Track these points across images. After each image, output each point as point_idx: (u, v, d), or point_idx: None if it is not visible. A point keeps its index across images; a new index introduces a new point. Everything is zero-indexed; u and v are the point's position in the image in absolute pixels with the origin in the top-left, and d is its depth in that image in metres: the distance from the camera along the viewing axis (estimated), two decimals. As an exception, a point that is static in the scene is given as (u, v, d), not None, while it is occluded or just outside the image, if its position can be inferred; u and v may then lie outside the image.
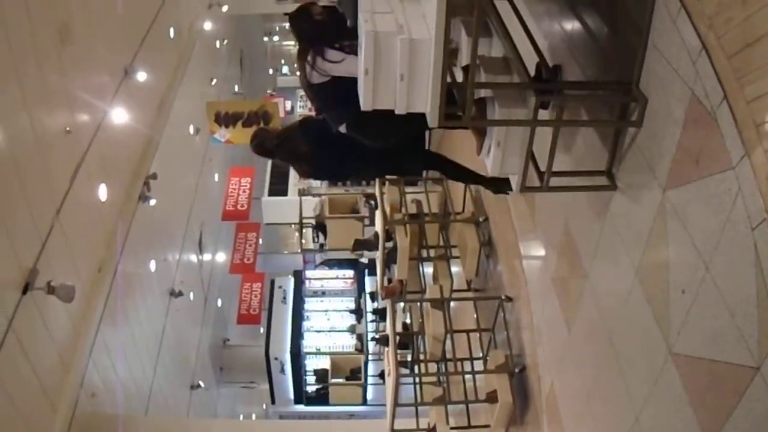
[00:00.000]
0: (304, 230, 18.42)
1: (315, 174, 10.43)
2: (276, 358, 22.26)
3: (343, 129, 7.08)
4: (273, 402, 23.35)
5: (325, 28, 6.85)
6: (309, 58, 6.75)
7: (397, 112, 5.40)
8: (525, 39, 5.95)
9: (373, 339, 20.19)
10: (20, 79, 8.44)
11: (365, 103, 5.45)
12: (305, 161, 7.88)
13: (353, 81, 5.79)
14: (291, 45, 42.97)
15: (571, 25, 6.32)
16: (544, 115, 5.54)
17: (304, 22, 6.91)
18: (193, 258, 19.70)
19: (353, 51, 6.43)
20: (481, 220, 10.21)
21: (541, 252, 7.87)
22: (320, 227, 17.48)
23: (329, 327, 23.83)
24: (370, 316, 22.67)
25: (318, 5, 7.11)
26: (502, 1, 6.71)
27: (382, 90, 5.34)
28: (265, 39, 41.07)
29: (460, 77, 6.09)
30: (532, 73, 5.64)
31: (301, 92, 36.01)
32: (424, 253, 11.52)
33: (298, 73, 7.16)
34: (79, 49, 10.15)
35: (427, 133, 9.03)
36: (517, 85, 5.85)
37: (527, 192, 6.00)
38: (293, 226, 22.80)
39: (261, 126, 9.57)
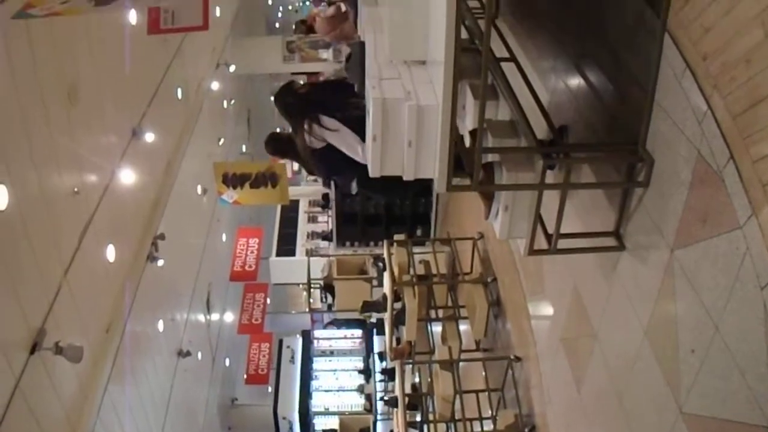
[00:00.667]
0: (312, 290, 18.40)
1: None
2: (284, 418, 22.13)
3: (354, 188, 7.16)
4: (282, 461, 23.14)
5: (311, 100, 6.95)
6: (306, 126, 6.83)
7: (405, 179, 5.43)
8: (531, 100, 5.99)
9: (382, 399, 20.07)
10: (29, 139, 8.49)
11: (373, 170, 5.47)
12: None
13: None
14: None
15: (577, 84, 6.35)
16: (551, 176, 5.55)
17: (289, 97, 7.04)
18: (201, 318, 19.63)
19: (345, 121, 6.54)
20: (489, 280, 10.21)
21: (550, 312, 7.84)
22: (328, 288, 17.45)
23: (338, 387, 23.71)
24: (378, 376, 22.54)
25: (298, 82, 7.25)
26: (509, 62, 6.78)
27: (389, 156, 5.38)
28: (272, 98, 41.37)
29: (466, 138, 6.12)
30: (539, 134, 5.67)
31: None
32: (433, 314, 11.50)
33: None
34: (87, 109, 10.22)
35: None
36: (524, 149, 5.87)
37: (535, 254, 5.99)
38: (301, 285, 22.76)
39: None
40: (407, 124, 5.18)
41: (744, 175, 4.06)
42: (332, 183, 7.43)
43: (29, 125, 8.52)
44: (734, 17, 4.09)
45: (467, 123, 6.15)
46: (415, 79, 5.46)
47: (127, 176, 11.84)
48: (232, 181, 15.59)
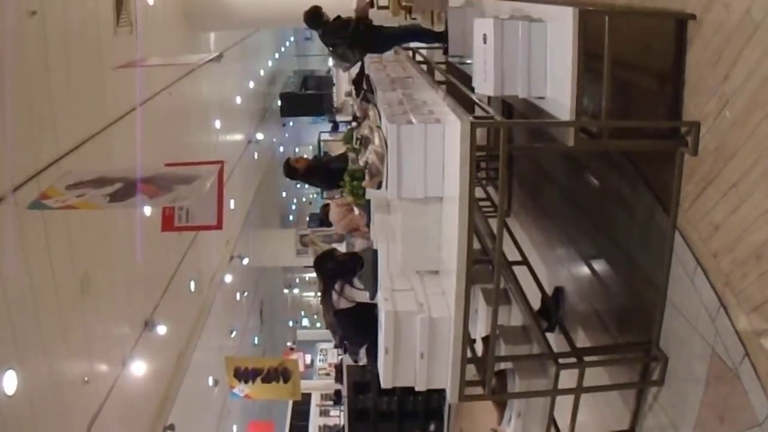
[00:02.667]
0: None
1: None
2: None
3: (363, 354, 7.14)
4: None
5: (348, 267, 7.04)
6: (337, 286, 6.91)
7: (417, 389, 5.40)
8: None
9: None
10: (40, 325, 8.51)
11: (385, 382, 5.45)
12: None
13: (374, 307, 5.90)
14: (311, 296, 43.44)
15: (588, 281, 6.37)
16: (565, 374, 5.48)
17: (329, 262, 7.13)
18: None
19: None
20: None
21: None
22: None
23: None
24: None
25: (340, 251, 7.39)
26: (521, 265, 6.86)
27: (402, 368, 5.37)
28: (286, 291, 41.51)
29: (478, 342, 6.12)
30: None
31: (321, 345, 36.19)
32: None
33: (320, 306, 7.35)
34: (99, 299, 10.28)
35: None
36: (537, 356, 5.83)
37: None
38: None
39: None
40: (419, 336, 5.20)
41: (760, 371, 4.00)
42: (344, 346, 7.49)
43: (41, 312, 8.56)
44: (742, 215, 4.13)
45: (479, 328, 6.14)
46: (427, 289, 5.51)
47: (138, 367, 11.79)
48: (244, 375, 15.48)
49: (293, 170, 9.31)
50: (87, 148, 9.94)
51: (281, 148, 35.00)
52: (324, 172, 9.32)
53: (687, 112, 4.70)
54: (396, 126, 5.23)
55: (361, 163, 6.00)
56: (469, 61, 7.03)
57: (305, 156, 9.59)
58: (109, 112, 11.11)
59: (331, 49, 10.14)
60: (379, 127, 5.92)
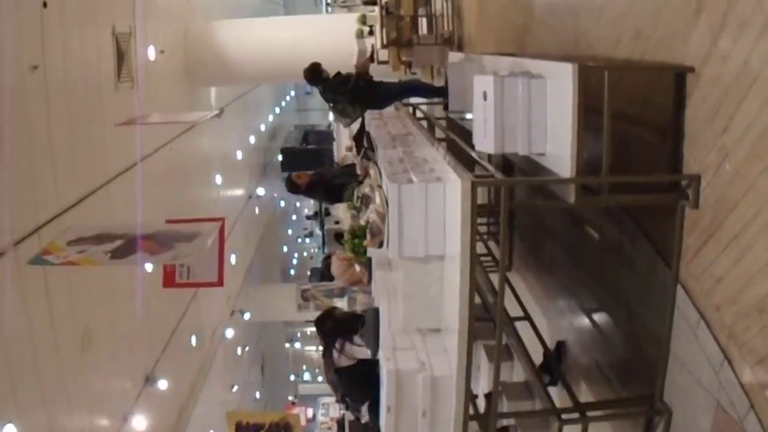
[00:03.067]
0: None
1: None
2: None
3: (365, 411, 7.10)
4: None
5: (348, 325, 7.03)
6: (337, 344, 6.89)
7: None
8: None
9: None
10: (40, 380, 8.48)
11: None
12: None
13: (376, 363, 5.89)
14: (313, 350, 43.25)
15: (591, 336, 6.35)
16: (567, 429, 5.44)
17: (329, 321, 7.12)
18: None
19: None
20: None
21: None
22: None
23: None
24: None
25: (340, 309, 7.37)
26: (523, 321, 6.85)
27: (404, 426, 5.35)
28: (287, 345, 41.39)
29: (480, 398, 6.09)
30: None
31: (323, 400, 35.99)
32: None
33: (322, 363, 7.34)
34: (100, 354, 10.25)
35: None
36: (539, 412, 5.80)
37: None
38: None
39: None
40: (421, 394, 5.18)
41: (766, 423, 3.97)
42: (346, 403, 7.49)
43: (41, 365, 8.53)
44: (744, 267, 4.13)
45: (482, 384, 6.11)
46: (429, 347, 5.49)
47: (139, 422, 11.74)
48: (246, 430, 15.42)
49: (295, 186, 9.36)
50: (88, 204, 9.98)
51: (282, 203, 35.09)
52: (327, 187, 9.36)
53: (687, 165, 4.71)
54: (397, 185, 5.24)
55: (363, 222, 6.02)
56: (469, 116, 7.07)
57: (308, 172, 9.60)
58: (111, 168, 11.16)
59: (331, 105, 10.22)
60: (380, 186, 5.94)
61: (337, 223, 32.71)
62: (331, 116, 35.87)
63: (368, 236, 5.74)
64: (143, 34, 12.96)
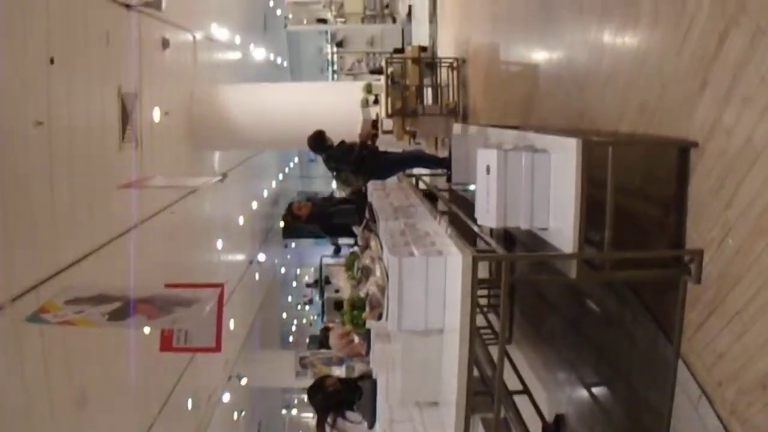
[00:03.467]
0: None
1: None
2: None
3: None
4: None
5: (339, 398, 6.97)
6: (329, 419, 6.82)
7: None
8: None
9: None
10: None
11: None
12: None
13: None
14: (309, 417, 42.84)
15: (591, 410, 6.29)
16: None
17: (318, 393, 7.06)
18: None
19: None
20: None
21: None
22: None
23: None
24: None
25: (332, 377, 7.31)
26: (521, 395, 6.79)
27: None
28: (284, 411, 41.00)
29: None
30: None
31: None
32: None
33: None
34: (95, 414, 10.18)
35: None
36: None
37: None
38: None
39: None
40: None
41: (767, 502, 3.92)
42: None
43: (35, 423, 8.48)
44: (747, 343, 4.10)
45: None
46: (426, 420, 5.46)
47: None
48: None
49: (296, 218, 9.32)
50: (88, 263, 9.97)
51: (283, 270, 35.06)
52: (325, 221, 9.31)
53: (690, 240, 4.71)
54: (398, 258, 5.23)
55: (362, 293, 6.00)
56: (472, 188, 7.09)
57: (308, 202, 9.58)
58: (112, 228, 11.17)
59: (334, 173, 10.25)
60: (380, 258, 5.93)
61: (337, 291, 32.61)
62: (334, 184, 36.02)
63: (367, 309, 5.71)
64: (149, 95, 13.06)
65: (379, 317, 5.59)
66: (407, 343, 5.43)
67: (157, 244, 13.24)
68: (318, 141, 10.07)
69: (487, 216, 5.38)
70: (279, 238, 31.58)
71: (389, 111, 14.28)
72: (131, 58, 12.26)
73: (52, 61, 9.02)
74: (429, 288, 5.21)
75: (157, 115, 13.81)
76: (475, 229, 5.83)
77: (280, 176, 35.77)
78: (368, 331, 7.14)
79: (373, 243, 6.38)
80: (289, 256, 38.46)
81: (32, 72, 8.78)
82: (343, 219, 8.49)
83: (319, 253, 34.78)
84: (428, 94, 15.25)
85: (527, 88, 8.66)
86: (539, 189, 5.15)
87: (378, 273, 5.68)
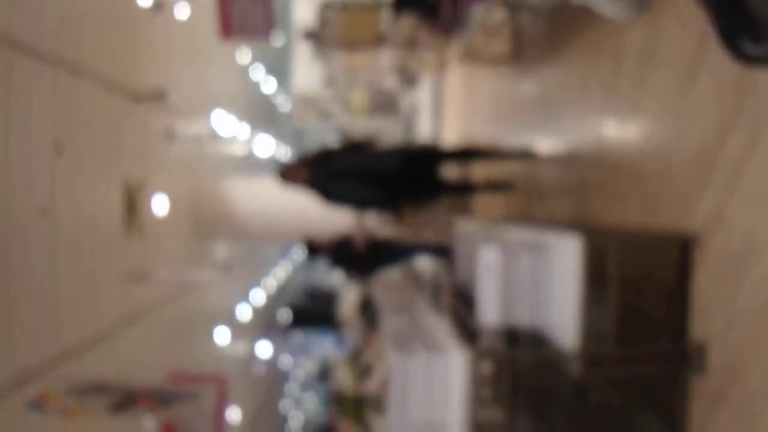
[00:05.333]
0: None
1: None
2: None
3: None
4: None
5: None
6: None
7: None
8: None
9: None
10: None
11: None
12: None
13: None
14: None
15: None
16: None
17: None
18: None
19: None
20: None
21: None
22: None
23: None
24: None
25: None
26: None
27: None
28: None
29: None
30: None
31: None
32: None
33: None
34: None
35: None
36: None
37: None
38: None
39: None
40: None
41: None
42: None
43: None
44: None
45: None
46: None
47: None
48: None
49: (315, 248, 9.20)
50: (90, 353, 9.91)
51: (286, 361, 34.85)
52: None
53: (693, 333, 4.69)
54: (399, 357, 5.25)
55: (365, 389, 6.02)
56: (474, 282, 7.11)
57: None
58: (114, 318, 11.14)
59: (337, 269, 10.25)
60: (383, 355, 5.95)
61: (338, 385, 32.42)
62: (336, 276, 36.08)
63: (371, 405, 5.73)
64: (154, 185, 13.15)
65: (382, 413, 5.59)
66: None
67: (160, 335, 13.20)
68: (310, 250, 10.08)
69: (488, 313, 5.38)
70: (283, 329, 31.51)
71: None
72: (137, 149, 12.39)
73: (57, 148, 9.10)
74: (431, 386, 5.22)
75: (162, 205, 13.89)
76: (478, 325, 5.82)
77: (284, 269, 35.80)
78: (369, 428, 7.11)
79: (375, 340, 6.41)
80: (292, 348, 38.28)
81: (38, 159, 8.85)
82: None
83: (322, 344, 34.61)
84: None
85: (531, 183, 8.72)
86: (541, 286, 5.16)
87: (380, 370, 5.71)
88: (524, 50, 9.41)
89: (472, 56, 10.01)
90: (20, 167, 8.44)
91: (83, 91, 10.11)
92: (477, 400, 4.79)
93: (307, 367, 43.20)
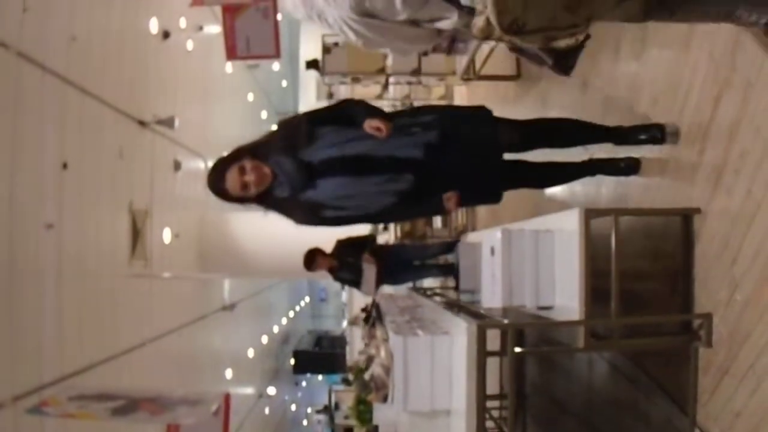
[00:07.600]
0: None
1: None
2: None
3: None
4: None
5: None
6: None
7: None
8: None
9: None
10: None
11: None
12: None
13: None
14: None
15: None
16: None
17: None
18: None
19: None
20: None
21: None
22: None
23: None
24: None
25: None
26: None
27: None
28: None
29: None
30: None
31: None
32: None
33: None
34: None
35: None
36: None
37: None
38: None
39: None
40: None
41: None
42: None
43: None
44: (762, 395, 4.00)
45: None
46: None
47: None
48: None
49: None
50: (92, 374, 9.88)
51: (293, 407, 34.71)
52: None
53: (698, 305, 4.64)
54: (402, 338, 5.23)
55: (366, 377, 5.94)
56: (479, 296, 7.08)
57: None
58: (116, 343, 11.10)
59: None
60: (385, 340, 5.90)
61: (346, 418, 32.20)
62: (345, 323, 35.92)
63: (372, 390, 5.64)
64: (160, 214, 13.17)
65: (385, 399, 5.51)
66: (413, 426, 5.35)
67: (163, 367, 13.12)
68: (309, 261, 10.04)
69: (492, 298, 5.33)
70: (289, 375, 31.43)
71: (398, 235, 14.36)
72: (143, 175, 12.44)
73: (65, 165, 9.15)
74: (435, 367, 5.18)
75: (167, 236, 13.89)
76: (482, 311, 5.77)
77: (291, 314, 35.75)
78: (376, 428, 7.03)
79: (378, 332, 6.36)
80: (299, 394, 38.18)
81: (45, 175, 8.90)
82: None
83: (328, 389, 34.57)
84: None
85: (533, 200, 8.69)
86: (544, 266, 5.11)
87: (383, 354, 5.64)
88: (529, 67, 9.44)
89: (477, 75, 10.03)
90: (26, 181, 8.50)
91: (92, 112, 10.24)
92: (483, 376, 4.71)
93: (316, 411, 43.09)
